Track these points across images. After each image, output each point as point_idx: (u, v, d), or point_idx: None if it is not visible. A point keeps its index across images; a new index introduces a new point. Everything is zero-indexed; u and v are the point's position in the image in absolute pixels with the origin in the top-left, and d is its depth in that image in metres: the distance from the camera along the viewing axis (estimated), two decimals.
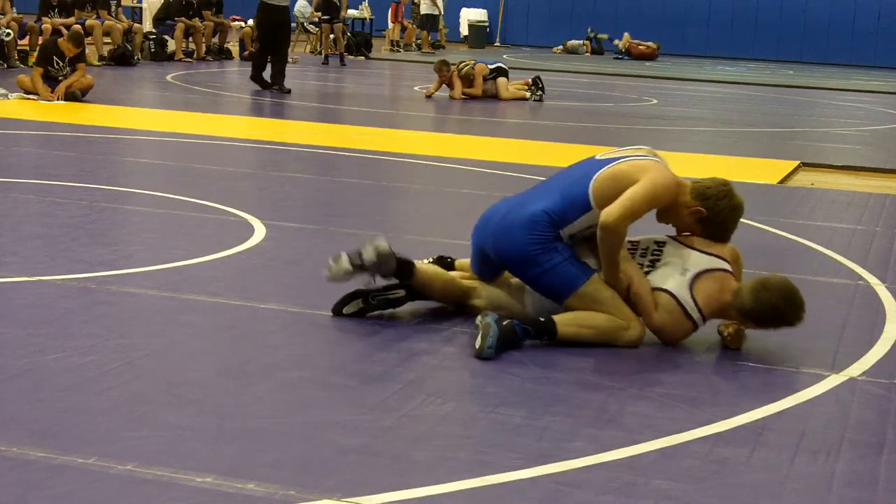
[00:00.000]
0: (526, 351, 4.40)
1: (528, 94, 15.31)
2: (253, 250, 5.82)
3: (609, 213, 4.44)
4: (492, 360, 4.24)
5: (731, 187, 4.74)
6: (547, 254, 4.51)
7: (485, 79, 15.28)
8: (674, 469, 3.36)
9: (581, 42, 30.15)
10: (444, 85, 15.37)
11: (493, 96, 15.23)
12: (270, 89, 14.41)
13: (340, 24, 21.28)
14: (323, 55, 21.29)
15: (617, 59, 28.17)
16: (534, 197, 4.70)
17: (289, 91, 14.13)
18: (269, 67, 14.68)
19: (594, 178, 4.57)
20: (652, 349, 4.54)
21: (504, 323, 4.34)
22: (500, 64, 15.62)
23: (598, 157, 4.74)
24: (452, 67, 15.23)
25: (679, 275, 4.56)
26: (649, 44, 28.89)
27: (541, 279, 4.55)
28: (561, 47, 30.52)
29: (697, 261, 4.59)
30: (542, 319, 4.47)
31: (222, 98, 14.28)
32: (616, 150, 4.80)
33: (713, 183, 4.72)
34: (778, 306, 4.46)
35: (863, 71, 27.87)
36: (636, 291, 4.54)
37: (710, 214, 4.66)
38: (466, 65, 15.33)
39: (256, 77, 14.80)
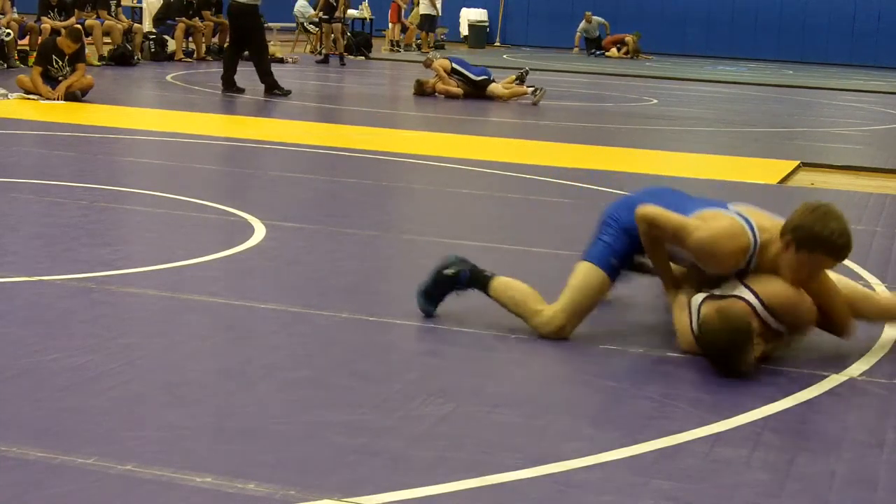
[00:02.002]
0: (526, 351, 4.40)
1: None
2: (253, 250, 5.82)
3: (644, 206, 4.56)
4: (432, 315, 4.65)
5: (816, 210, 4.37)
6: (610, 228, 4.67)
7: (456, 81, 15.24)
8: (674, 469, 3.35)
9: (601, 21, 30.10)
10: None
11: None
12: (269, 94, 14.13)
13: (339, 23, 21.20)
14: (322, 54, 21.27)
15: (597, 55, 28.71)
16: (665, 200, 4.70)
17: (289, 92, 14.08)
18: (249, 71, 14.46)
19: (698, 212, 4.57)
20: (651, 350, 4.54)
21: (448, 271, 4.65)
22: (486, 77, 15.24)
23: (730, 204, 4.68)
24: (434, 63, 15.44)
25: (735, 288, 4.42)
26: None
27: (592, 240, 4.73)
28: (585, 22, 30.08)
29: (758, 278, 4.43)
30: (487, 274, 4.66)
31: (222, 98, 14.27)
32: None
33: (802, 219, 4.36)
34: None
35: (863, 71, 27.87)
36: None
37: (808, 247, 4.29)
38: (429, 58, 15.68)
39: (230, 80, 14.15)
